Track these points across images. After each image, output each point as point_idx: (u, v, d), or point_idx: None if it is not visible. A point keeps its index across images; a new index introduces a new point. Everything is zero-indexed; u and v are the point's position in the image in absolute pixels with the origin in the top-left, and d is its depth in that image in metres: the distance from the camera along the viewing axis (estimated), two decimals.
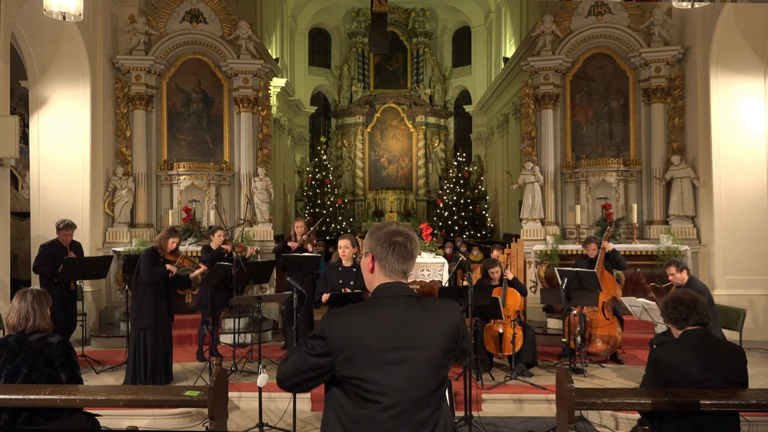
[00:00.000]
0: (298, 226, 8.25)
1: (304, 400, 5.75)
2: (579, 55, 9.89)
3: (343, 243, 5.90)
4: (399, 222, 2.31)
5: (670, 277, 6.28)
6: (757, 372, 6.44)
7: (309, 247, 8.07)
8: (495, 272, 7.01)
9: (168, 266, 6.24)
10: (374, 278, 2.22)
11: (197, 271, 6.70)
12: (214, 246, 7.49)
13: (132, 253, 8.64)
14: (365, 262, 2.24)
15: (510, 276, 7.03)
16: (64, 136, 8.86)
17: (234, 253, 7.03)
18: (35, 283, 8.11)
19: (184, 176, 9.73)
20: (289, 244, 8.07)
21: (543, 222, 9.66)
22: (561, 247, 9.26)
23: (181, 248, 8.74)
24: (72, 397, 3.46)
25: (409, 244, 2.20)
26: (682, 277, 6.21)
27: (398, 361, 2.07)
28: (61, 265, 6.93)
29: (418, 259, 8.32)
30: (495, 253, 9.11)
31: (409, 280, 2.31)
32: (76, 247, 7.34)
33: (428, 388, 2.10)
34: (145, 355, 6.14)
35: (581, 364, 6.87)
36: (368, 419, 2.05)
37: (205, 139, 10.06)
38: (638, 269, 7.49)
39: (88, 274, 7.25)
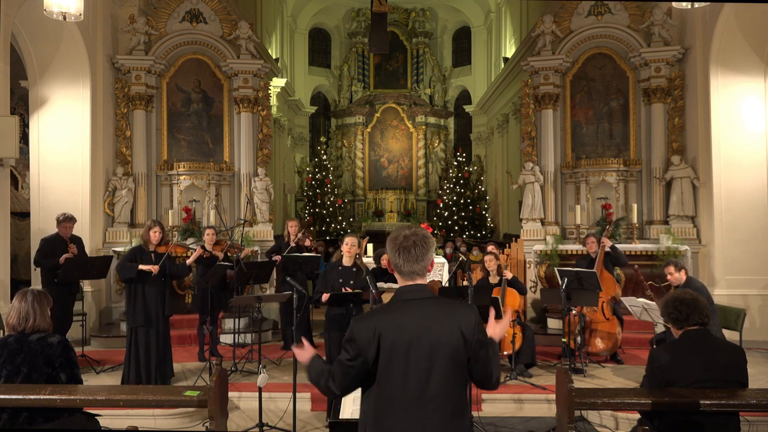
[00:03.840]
0: (292, 226, 8.21)
1: (304, 401, 5.75)
2: (579, 55, 9.87)
3: (351, 240, 5.85)
4: (412, 226, 2.54)
5: (669, 277, 6.31)
6: (757, 372, 6.45)
7: (307, 242, 8.02)
8: (489, 260, 7.10)
9: (146, 267, 5.97)
10: (398, 281, 2.52)
11: (193, 257, 6.63)
12: (207, 246, 7.48)
13: None
14: (390, 268, 2.57)
15: (509, 275, 7.04)
16: (64, 136, 8.85)
17: (231, 254, 7.00)
18: (35, 283, 8.11)
19: (184, 176, 9.72)
20: (275, 257, 7.85)
21: (543, 222, 9.65)
22: (561, 247, 9.26)
23: None
24: (72, 397, 3.46)
25: (414, 249, 2.43)
26: (680, 276, 6.25)
27: (415, 356, 2.33)
28: (62, 256, 6.93)
29: None
30: (490, 247, 9.12)
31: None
32: (77, 241, 7.31)
33: (445, 385, 2.34)
34: (137, 353, 6.12)
35: (581, 364, 6.87)
36: (389, 409, 2.35)
37: (205, 139, 10.05)
38: (636, 266, 7.49)
39: (88, 273, 7.24)
